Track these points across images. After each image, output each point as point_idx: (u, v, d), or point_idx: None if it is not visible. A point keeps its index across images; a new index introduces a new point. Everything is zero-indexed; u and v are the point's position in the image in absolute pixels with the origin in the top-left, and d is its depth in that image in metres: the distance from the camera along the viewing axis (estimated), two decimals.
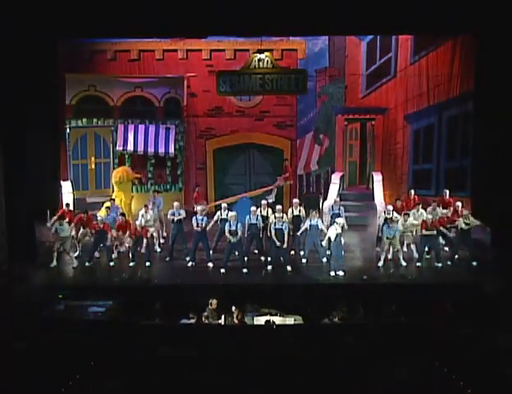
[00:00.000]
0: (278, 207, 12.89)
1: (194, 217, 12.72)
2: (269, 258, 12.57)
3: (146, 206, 13.59)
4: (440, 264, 12.44)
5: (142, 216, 13.11)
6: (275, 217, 12.49)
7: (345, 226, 12.50)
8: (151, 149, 16.99)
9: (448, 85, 15.18)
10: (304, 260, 12.90)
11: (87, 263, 12.59)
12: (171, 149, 17.06)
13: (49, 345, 8.08)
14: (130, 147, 16.83)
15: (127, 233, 12.86)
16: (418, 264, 12.53)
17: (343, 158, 17.59)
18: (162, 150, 17.01)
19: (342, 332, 9.24)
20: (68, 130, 16.28)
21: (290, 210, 13.26)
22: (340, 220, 12.32)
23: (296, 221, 13.00)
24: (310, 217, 12.73)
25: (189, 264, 12.65)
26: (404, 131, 17.04)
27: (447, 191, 14.10)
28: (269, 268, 12.42)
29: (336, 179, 17.00)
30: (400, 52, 16.86)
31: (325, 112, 17.86)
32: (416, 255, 12.87)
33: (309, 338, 8.80)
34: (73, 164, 16.55)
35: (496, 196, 12.57)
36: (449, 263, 12.55)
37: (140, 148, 16.92)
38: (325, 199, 16.60)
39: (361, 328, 9.49)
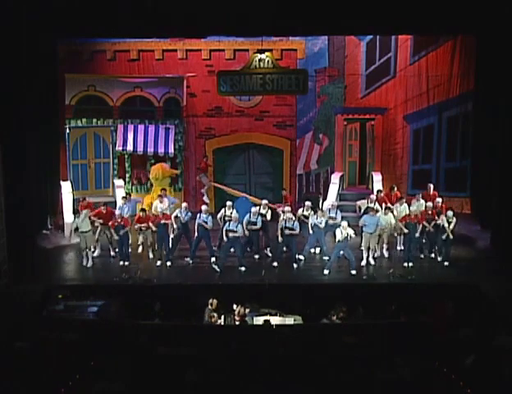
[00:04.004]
0: (287, 208, 13.07)
1: (198, 216, 12.81)
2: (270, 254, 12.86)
3: (160, 196, 13.97)
4: (410, 264, 12.34)
5: (158, 205, 13.56)
6: (284, 217, 12.59)
7: (351, 232, 12.12)
8: (150, 149, 16.98)
9: (448, 85, 15.19)
10: (301, 257, 12.91)
11: (126, 263, 12.63)
12: (171, 149, 17.05)
13: (49, 345, 8.08)
14: (130, 147, 16.82)
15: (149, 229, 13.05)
16: (405, 264, 12.43)
17: (342, 158, 17.58)
18: (161, 150, 17.00)
19: (342, 332, 9.25)
20: (68, 130, 16.26)
21: (300, 210, 13.41)
22: (345, 223, 12.24)
23: (304, 221, 13.08)
24: (314, 215, 12.86)
25: (190, 262, 12.75)
26: (403, 131, 17.05)
27: (431, 186, 14.12)
28: (275, 264, 12.49)
29: (335, 179, 16.99)
30: (399, 52, 16.86)
31: (324, 111, 17.85)
32: (387, 254, 13.05)
33: (309, 338, 8.80)
34: (73, 164, 16.54)
35: (496, 196, 12.57)
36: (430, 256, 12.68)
37: (140, 149, 16.91)
38: (324, 198, 16.61)
39: (361, 328, 9.49)
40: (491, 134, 12.82)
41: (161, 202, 13.74)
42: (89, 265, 12.65)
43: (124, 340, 8.50)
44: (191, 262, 12.76)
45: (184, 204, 13.32)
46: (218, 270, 12.25)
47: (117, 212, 13.09)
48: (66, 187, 15.03)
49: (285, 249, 12.94)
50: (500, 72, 12.31)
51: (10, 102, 11.57)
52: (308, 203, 13.66)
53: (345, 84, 17.75)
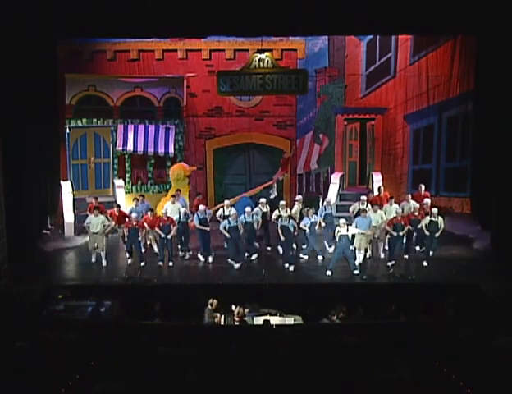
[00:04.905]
0: (282, 202, 13.08)
1: (195, 216, 12.90)
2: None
3: (174, 196, 13.97)
4: (392, 263, 12.25)
5: (169, 206, 13.49)
6: (280, 215, 12.60)
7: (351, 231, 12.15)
8: (151, 149, 17.00)
9: (448, 85, 15.19)
10: (305, 257, 12.95)
11: (129, 261, 12.72)
12: (171, 149, 17.07)
13: (49, 345, 8.08)
14: (130, 147, 16.83)
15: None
16: (390, 264, 12.38)
17: (343, 158, 17.58)
18: (161, 150, 17.02)
19: (342, 332, 9.25)
20: (68, 130, 16.28)
21: (295, 207, 13.44)
22: (343, 221, 12.23)
23: (300, 218, 13.14)
24: (308, 215, 12.84)
25: (210, 260, 12.82)
26: (403, 131, 17.05)
27: (422, 186, 14.12)
28: (291, 268, 12.34)
29: (335, 179, 16.99)
30: (399, 52, 16.87)
31: (324, 111, 17.87)
32: (382, 255, 12.92)
33: (309, 338, 8.80)
34: (73, 164, 16.54)
35: (496, 196, 12.57)
36: (425, 263, 12.47)
37: (140, 149, 16.93)
38: (324, 198, 16.59)
39: (361, 328, 9.49)
40: (491, 134, 12.81)
41: (173, 202, 13.64)
42: (104, 264, 12.70)
43: (124, 340, 8.50)
44: (203, 260, 12.89)
45: (183, 209, 13.30)
46: (237, 266, 12.39)
47: (133, 215, 13.01)
48: (66, 187, 15.05)
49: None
50: (500, 72, 12.30)
51: (10, 102, 11.57)
52: (298, 197, 13.75)
53: (345, 84, 17.77)
